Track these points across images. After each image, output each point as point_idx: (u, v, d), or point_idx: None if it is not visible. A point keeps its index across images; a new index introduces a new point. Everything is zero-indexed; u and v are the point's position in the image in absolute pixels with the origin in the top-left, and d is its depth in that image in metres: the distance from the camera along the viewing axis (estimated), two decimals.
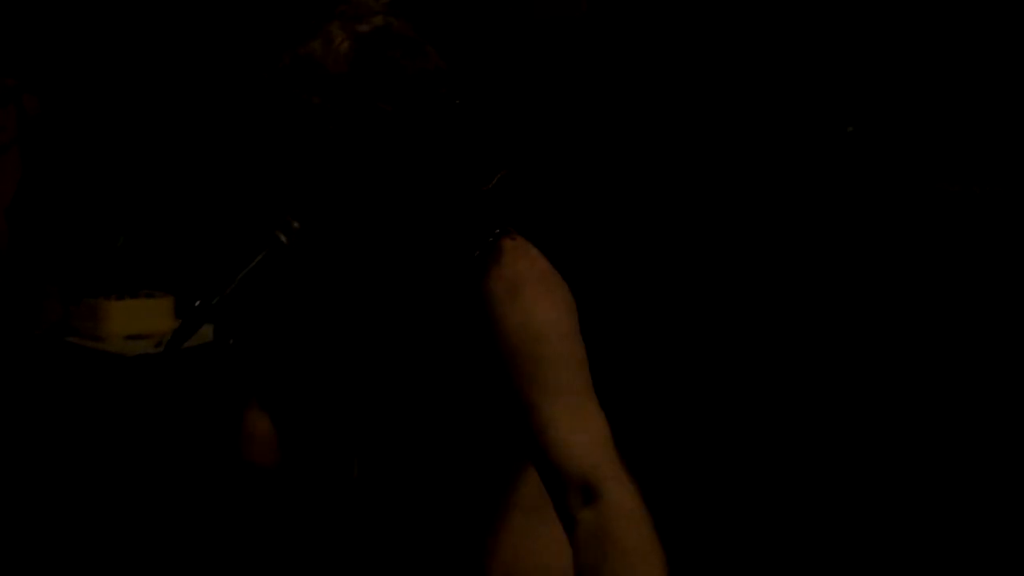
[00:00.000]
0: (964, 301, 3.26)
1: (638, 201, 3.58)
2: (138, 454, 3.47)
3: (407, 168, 1.65)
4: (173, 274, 3.86)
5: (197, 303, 1.62)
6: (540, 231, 1.76)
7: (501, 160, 1.73)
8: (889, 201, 3.31)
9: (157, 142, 4.35)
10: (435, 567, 1.76)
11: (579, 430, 1.58)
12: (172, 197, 4.12)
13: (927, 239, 3.29)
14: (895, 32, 3.31)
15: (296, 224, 1.63)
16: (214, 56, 4.09)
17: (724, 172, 3.47)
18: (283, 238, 1.62)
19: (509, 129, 1.81)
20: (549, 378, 1.61)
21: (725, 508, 3.43)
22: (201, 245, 3.88)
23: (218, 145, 3.88)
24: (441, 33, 1.72)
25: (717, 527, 3.39)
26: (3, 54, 3.77)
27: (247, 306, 1.84)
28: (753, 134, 3.42)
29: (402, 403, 1.72)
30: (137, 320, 3.64)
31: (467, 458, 1.73)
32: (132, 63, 4.33)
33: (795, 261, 3.41)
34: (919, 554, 3.23)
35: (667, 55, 3.52)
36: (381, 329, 1.74)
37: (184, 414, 3.33)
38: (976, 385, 3.23)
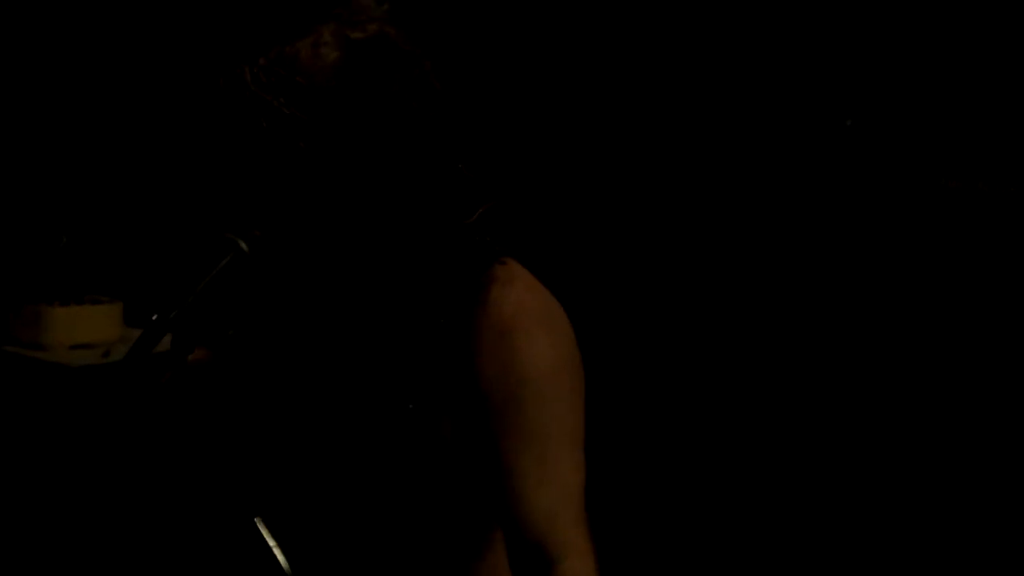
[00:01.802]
0: (964, 298, 3.23)
1: (635, 202, 3.51)
2: (84, 469, 3.33)
3: (382, 188, 1.53)
4: (121, 278, 3.70)
5: (155, 316, 1.51)
6: (534, 254, 1.62)
7: (486, 189, 1.59)
8: (888, 197, 3.29)
9: (104, 135, 4.21)
10: None
11: (547, 487, 1.47)
12: (120, 194, 3.97)
13: (927, 235, 3.26)
14: (895, 25, 3.29)
15: (257, 232, 1.51)
16: (166, 46, 3.96)
17: (721, 169, 3.40)
18: (244, 246, 1.51)
19: (498, 154, 1.67)
20: (522, 424, 1.49)
21: (725, 508, 3.40)
22: (153, 247, 3.73)
23: (174, 140, 3.74)
24: (443, 42, 1.59)
25: (717, 527, 3.37)
26: None
27: (207, 317, 1.67)
28: (750, 128, 3.36)
29: (370, 429, 1.60)
30: (82, 328, 3.48)
31: (450, 487, 1.60)
32: (76, 52, 4.19)
33: (793, 258, 3.38)
34: (919, 554, 3.21)
35: (659, 50, 3.44)
36: (349, 349, 1.62)
37: (135, 427, 3.17)
38: (976, 383, 3.21)
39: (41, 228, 3.60)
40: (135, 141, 4.11)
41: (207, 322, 1.70)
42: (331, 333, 1.64)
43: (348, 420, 1.61)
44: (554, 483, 1.47)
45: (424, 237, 1.56)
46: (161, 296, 1.53)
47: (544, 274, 1.60)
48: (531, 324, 1.51)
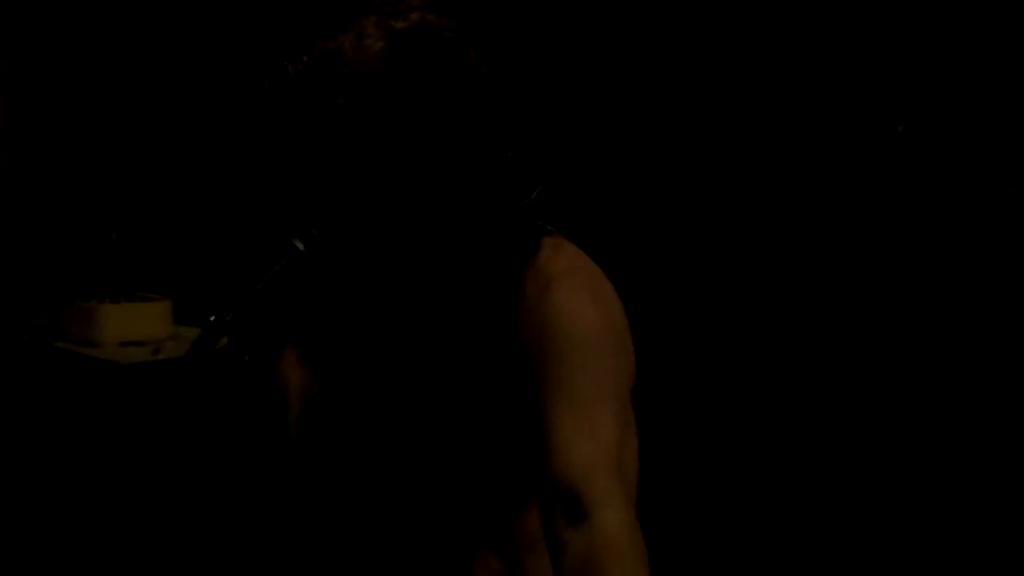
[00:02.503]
0: (1018, 305, 3.22)
1: (683, 203, 3.49)
2: (133, 466, 3.34)
3: (437, 175, 1.54)
4: (171, 275, 3.71)
5: (212, 318, 1.51)
6: (583, 235, 1.64)
7: (539, 171, 1.60)
8: (943, 203, 3.22)
9: (155, 132, 4.23)
10: None
11: (586, 442, 1.46)
12: (170, 192, 3.98)
13: (982, 241, 3.25)
14: (948, 31, 3.28)
15: (315, 231, 1.52)
16: (217, 44, 3.97)
17: (773, 173, 3.37)
18: (301, 246, 1.51)
19: (548, 135, 1.68)
20: (566, 381, 1.50)
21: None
22: (203, 245, 3.74)
23: (225, 137, 3.75)
24: (484, 32, 1.59)
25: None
26: None
27: (265, 318, 1.68)
28: (804, 134, 3.31)
29: (428, 417, 1.61)
30: (133, 325, 3.48)
31: (494, 475, 1.61)
32: (128, 49, 4.21)
33: (845, 262, 3.37)
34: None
35: (713, 54, 3.43)
36: (408, 338, 1.63)
37: (184, 426, 3.18)
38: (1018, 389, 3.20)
39: (91, 225, 3.62)
40: (185, 138, 4.12)
41: (265, 323, 1.71)
42: (392, 322, 1.64)
43: (417, 398, 1.61)
44: (596, 438, 1.46)
45: (479, 221, 1.58)
46: (217, 296, 1.53)
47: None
48: (577, 284, 1.54)
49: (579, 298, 1.53)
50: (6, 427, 3.43)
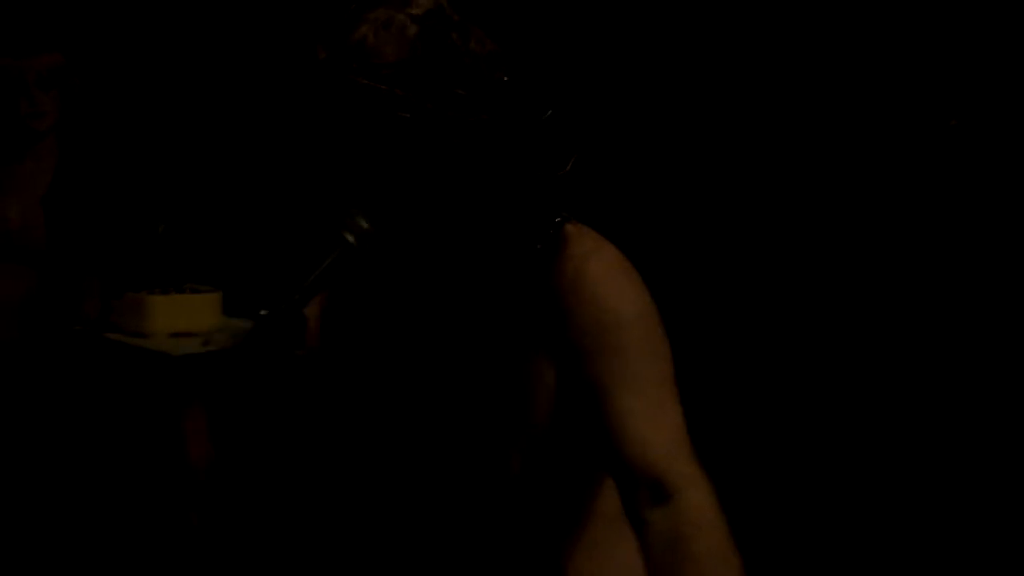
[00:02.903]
0: None
1: (737, 196, 3.46)
2: (182, 455, 3.36)
3: (474, 157, 1.56)
4: (221, 267, 3.72)
5: (263, 312, 1.52)
6: (607, 218, 1.67)
7: (568, 144, 1.60)
8: (995, 195, 3.17)
9: (204, 123, 4.24)
10: None
11: (656, 424, 1.50)
12: (219, 184, 4.00)
13: None
14: (1000, 25, 3.24)
15: (365, 224, 1.53)
16: (268, 36, 3.97)
17: (821, 165, 3.35)
18: (351, 239, 1.53)
19: (571, 112, 1.69)
20: (625, 367, 1.53)
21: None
22: (251, 237, 3.75)
23: (271, 131, 3.76)
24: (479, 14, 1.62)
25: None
26: (45, 28, 3.63)
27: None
28: (856, 128, 3.29)
29: (475, 408, 1.63)
30: (183, 316, 3.49)
31: (547, 465, 1.62)
32: (177, 41, 4.22)
33: (900, 254, 3.37)
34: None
35: (761, 41, 3.40)
36: (450, 328, 1.64)
37: (232, 415, 3.20)
38: None
39: (142, 219, 3.63)
40: (235, 130, 4.13)
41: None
42: (433, 312, 1.65)
43: (454, 384, 1.62)
44: (665, 420, 1.50)
45: (514, 193, 1.59)
46: (268, 290, 1.54)
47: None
48: (616, 272, 1.56)
49: (623, 286, 1.55)
50: (58, 417, 3.46)
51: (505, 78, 1.55)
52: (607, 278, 1.55)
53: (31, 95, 3.34)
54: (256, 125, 3.96)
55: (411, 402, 1.66)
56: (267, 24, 4.00)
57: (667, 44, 3.53)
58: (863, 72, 3.34)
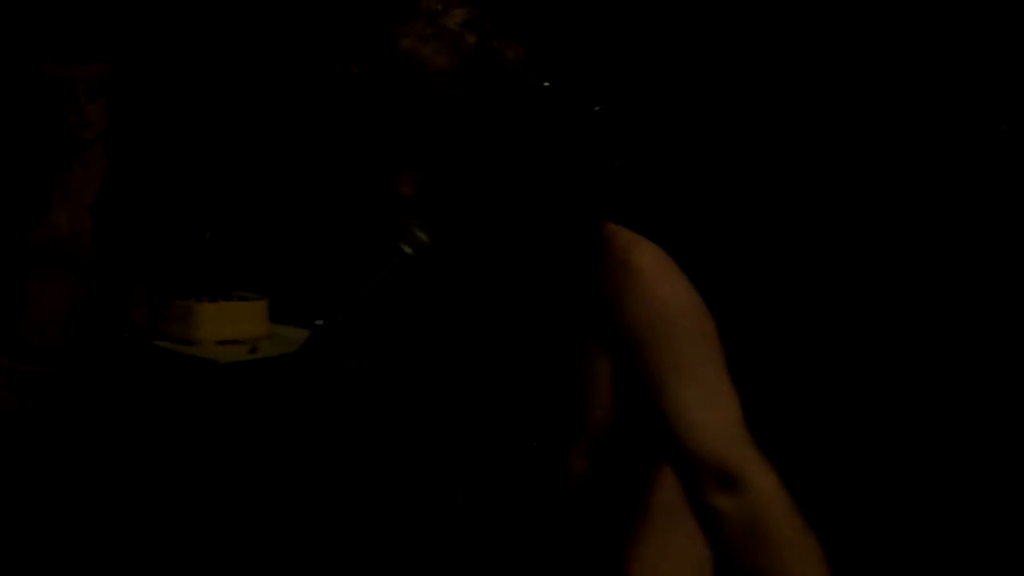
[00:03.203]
0: None
1: (784, 201, 3.44)
2: (231, 463, 3.37)
3: (522, 161, 1.59)
4: (268, 275, 3.73)
5: (320, 322, 1.54)
6: (649, 220, 1.68)
7: (614, 143, 1.62)
8: None
9: (251, 132, 4.25)
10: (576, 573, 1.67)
11: (714, 411, 1.53)
12: (267, 192, 4.01)
13: None
14: None
15: (423, 235, 1.55)
16: (314, 43, 3.98)
17: (877, 172, 3.32)
18: (409, 250, 1.55)
19: (612, 116, 1.70)
20: (679, 357, 1.55)
21: None
22: (300, 245, 3.76)
23: (320, 138, 3.77)
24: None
25: None
26: (91, 37, 3.65)
27: (370, 321, 1.69)
28: (905, 132, 3.26)
29: (533, 407, 1.64)
30: (230, 324, 3.50)
31: (608, 461, 1.64)
32: (224, 48, 4.23)
33: (948, 261, 3.33)
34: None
35: (812, 47, 3.38)
36: (503, 329, 1.66)
37: (281, 424, 3.20)
38: None
39: (189, 227, 3.64)
40: (281, 138, 4.14)
41: (372, 326, 1.71)
42: (486, 317, 1.66)
43: (504, 384, 1.64)
44: (723, 408, 1.52)
45: (560, 194, 1.62)
46: (315, 296, 1.55)
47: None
48: (661, 265, 1.58)
49: (673, 280, 1.58)
50: (108, 424, 3.47)
51: (546, 83, 1.57)
52: (653, 270, 1.57)
53: (79, 104, 3.35)
54: (305, 133, 3.97)
55: (468, 405, 1.67)
56: (314, 31, 4.01)
57: (716, 43, 3.51)
58: (920, 75, 3.32)
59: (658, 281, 1.56)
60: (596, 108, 1.65)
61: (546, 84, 1.59)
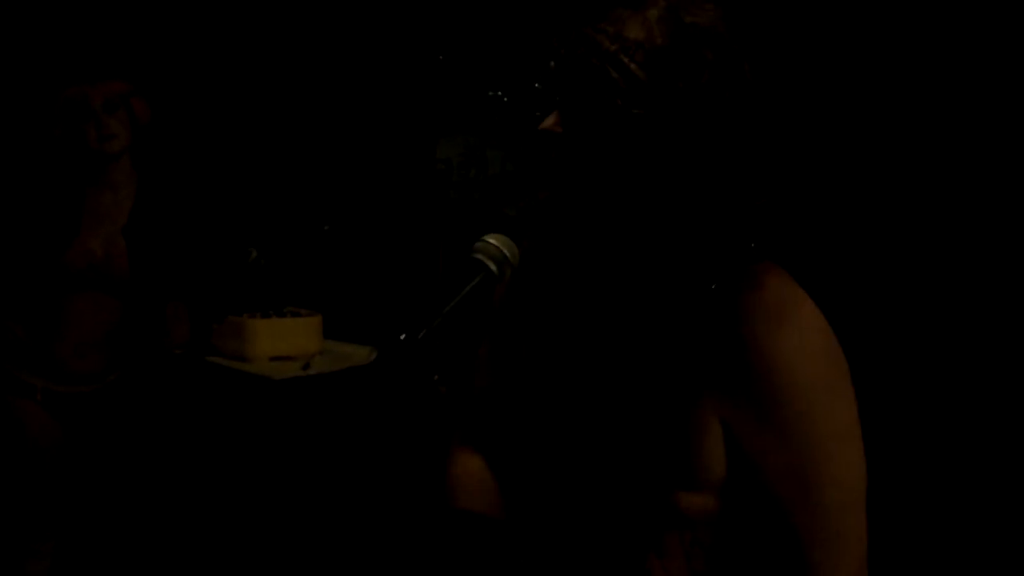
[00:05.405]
0: None
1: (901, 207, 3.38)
2: (289, 480, 3.35)
3: (664, 179, 1.49)
4: (321, 291, 3.71)
5: (403, 336, 1.48)
6: (794, 256, 1.60)
7: (766, 176, 1.54)
8: None
9: (284, 146, 4.24)
10: None
11: (805, 504, 1.45)
12: (321, 210, 3.99)
13: None
14: None
15: (506, 251, 1.51)
16: (362, 56, 3.97)
17: (985, 176, 3.26)
18: (493, 267, 1.51)
19: (784, 152, 1.62)
20: (783, 428, 1.45)
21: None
22: (353, 262, 3.73)
23: (374, 157, 3.75)
24: (759, 44, 1.54)
25: None
26: (113, 57, 3.65)
27: (455, 337, 1.66)
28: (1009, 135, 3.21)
29: (636, 454, 1.54)
30: (283, 340, 3.48)
31: (658, 499, 1.54)
32: (251, 60, 4.22)
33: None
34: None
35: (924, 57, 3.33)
36: (607, 355, 1.58)
37: (340, 439, 3.17)
38: None
39: (230, 244, 3.63)
40: (332, 156, 4.12)
41: (454, 341, 1.68)
42: (590, 339, 1.60)
43: (609, 412, 1.56)
44: (833, 484, 1.44)
45: (699, 228, 1.52)
46: (368, 312, 1.52)
47: (802, 277, 1.54)
48: (783, 325, 1.46)
49: (783, 330, 1.45)
50: (161, 439, 3.46)
51: (741, 108, 1.49)
52: (776, 340, 1.45)
53: (99, 119, 3.36)
54: (357, 149, 3.95)
55: (558, 433, 1.62)
56: (365, 40, 4.00)
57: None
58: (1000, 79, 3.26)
59: (778, 349, 1.45)
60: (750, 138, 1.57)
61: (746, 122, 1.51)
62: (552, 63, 1.51)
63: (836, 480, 1.44)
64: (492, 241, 1.52)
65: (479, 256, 1.52)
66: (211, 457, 3.44)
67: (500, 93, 1.52)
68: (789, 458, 1.44)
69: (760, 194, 1.51)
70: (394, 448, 2.56)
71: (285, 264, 3.81)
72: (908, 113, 3.40)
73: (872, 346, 3.21)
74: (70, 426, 3.44)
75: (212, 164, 4.11)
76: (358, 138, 4.10)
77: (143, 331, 3.46)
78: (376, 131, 4.07)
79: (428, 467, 1.83)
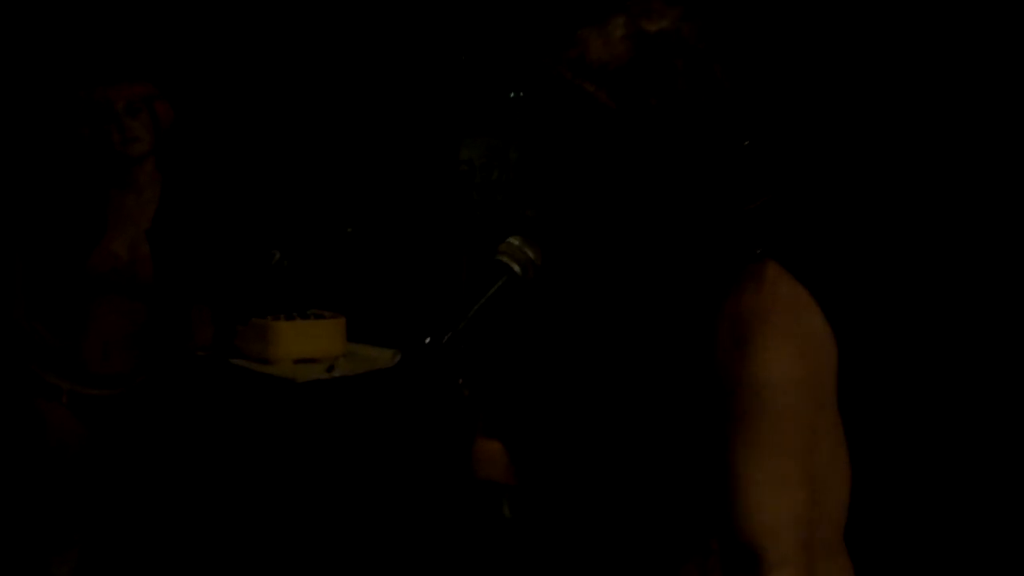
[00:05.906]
0: None
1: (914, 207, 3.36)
2: (313, 482, 3.35)
3: (658, 180, 1.49)
4: (345, 293, 3.71)
5: (428, 339, 1.48)
6: (801, 258, 1.56)
7: (763, 185, 1.53)
8: None
9: (307, 148, 4.24)
10: None
11: (774, 498, 1.44)
12: (345, 211, 3.99)
13: None
14: None
15: (531, 253, 1.50)
16: (382, 59, 3.97)
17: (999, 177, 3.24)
18: (517, 269, 1.50)
19: (778, 154, 1.61)
20: (758, 432, 1.45)
21: None
22: (377, 264, 3.73)
23: (398, 157, 3.75)
24: (735, 42, 1.54)
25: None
26: (136, 59, 3.66)
27: (477, 340, 1.65)
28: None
29: (643, 443, 1.56)
30: (307, 343, 3.48)
31: (663, 504, 1.56)
32: (273, 62, 4.23)
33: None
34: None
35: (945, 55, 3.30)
36: (609, 355, 1.59)
37: (364, 442, 3.18)
38: None
39: (254, 247, 3.63)
40: (356, 157, 4.13)
41: (480, 346, 1.68)
42: (595, 339, 1.60)
43: (605, 417, 1.57)
44: (782, 496, 1.43)
45: (696, 225, 1.52)
46: (391, 315, 1.52)
47: (805, 277, 1.53)
48: (776, 332, 1.45)
49: (782, 346, 1.45)
50: (184, 441, 3.47)
51: (718, 113, 1.49)
52: (771, 332, 1.45)
53: (121, 122, 3.36)
54: (381, 150, 3.95)
55: (576, 436, 1.62)
56: (388, 44, 4.00)
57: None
58: None
59: (768, 347, 1.45)
60: (745, 143, 1.56)
61: (746, 143, 1.52)
62: (521, 94, 1.51)
63: (782, 493, 1.44)
64: (516, 242, 1.52)
65: (503, 258, 1.51)
66: (234, 460, 3.44)
67: (523, 94, 1.50)
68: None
69: (754, 196, 1.51)
70: (417, 451, 2.55)
71: (308, 266, 3.81)
72: (908, 113, 3.38)
73: (872, 346, 3.20)
74: (96, 429, 3.45)
75: (235, 166, 4.11)
76: (381, 140, 4.11)
77: (167, 334, 3.46)
78: (399, 132, 4.07)
79: (450, 466, 1.83)
